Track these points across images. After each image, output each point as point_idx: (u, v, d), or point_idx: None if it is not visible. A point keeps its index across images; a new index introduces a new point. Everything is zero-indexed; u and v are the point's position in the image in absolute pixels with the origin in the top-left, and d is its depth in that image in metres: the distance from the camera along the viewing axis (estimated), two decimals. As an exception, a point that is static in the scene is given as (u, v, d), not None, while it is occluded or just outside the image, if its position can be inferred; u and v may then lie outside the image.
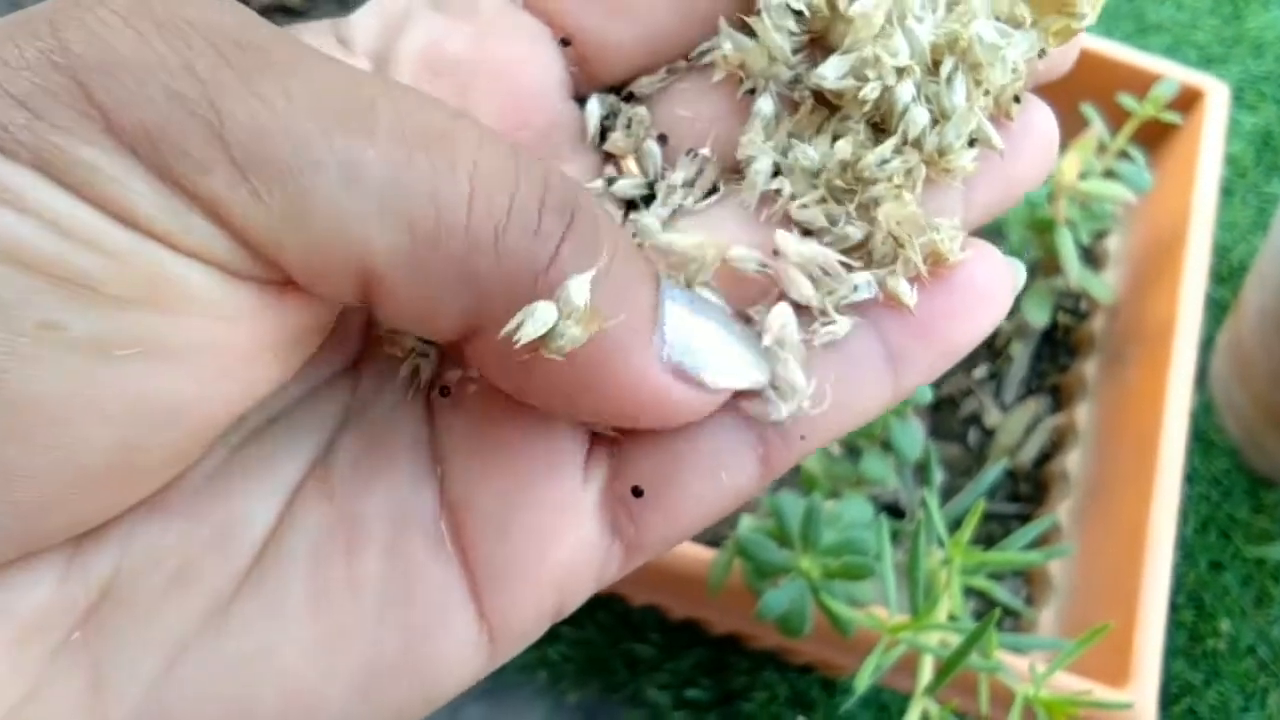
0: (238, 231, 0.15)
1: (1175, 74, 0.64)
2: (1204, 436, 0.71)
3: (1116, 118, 0.61)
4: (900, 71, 0.19)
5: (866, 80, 0.19)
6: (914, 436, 0.49)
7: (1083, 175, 0.59)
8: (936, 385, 0.66)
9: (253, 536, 0.18)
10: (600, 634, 0.63)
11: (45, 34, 0.14)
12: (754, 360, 0.18)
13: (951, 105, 0.19)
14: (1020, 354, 0.67)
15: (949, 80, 0.19)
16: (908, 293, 0.19)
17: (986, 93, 0.19)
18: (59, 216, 0.14)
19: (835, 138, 0.20)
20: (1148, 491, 0.54)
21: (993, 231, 0.62)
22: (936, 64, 0.19)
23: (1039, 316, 0.63)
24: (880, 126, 0.20)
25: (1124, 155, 0.62)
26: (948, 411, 0.66)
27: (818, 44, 0.20)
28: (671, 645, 0.63)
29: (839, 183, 0.19)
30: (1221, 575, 0.68)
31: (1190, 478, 0.69)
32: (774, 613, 0.41)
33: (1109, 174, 0.61)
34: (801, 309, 0.19)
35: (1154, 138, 0.67)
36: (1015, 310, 0.68)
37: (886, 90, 0.19)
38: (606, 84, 0.21)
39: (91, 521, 0.16)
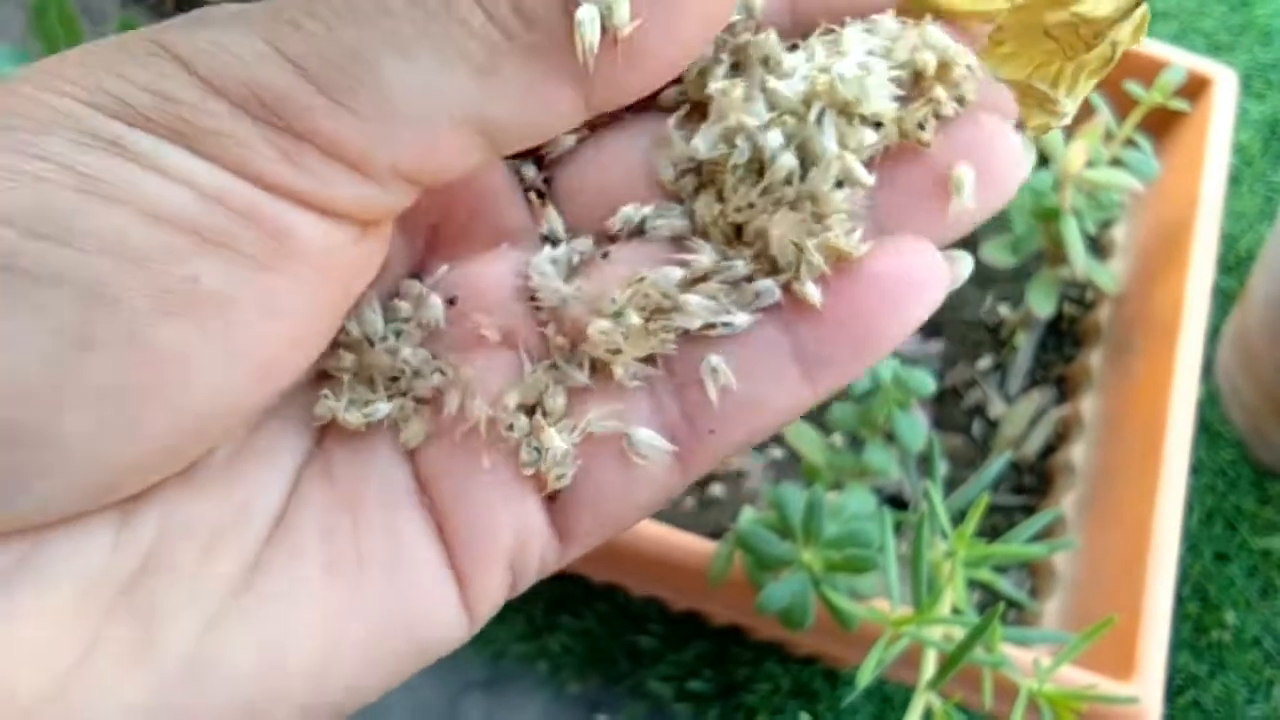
0: (348, 153, 0.17)
1: (1183, 61, 0.63)
2: (1209, 427, 0.71)
3: (1123, 105, 0.60)
4: (766, 125, 0.20)
5: (735, 146, 0.20)
6: (917, 427, 0.48)
7: (1089, 163, 0.59)
8: (940, 376, 0.66)
9: (267, 514, 0.19)
10: (601, 625, 0.63)
11: (146, 43, 0.17)
12: None
13: (821, 149, 0.20)
14: (1025, 344, 0.67)
15: (818, 123, 0.20)
16: (814, 294, 0.19)
17: (879, 125, 0.20)
18: (198, 181, 0.16)
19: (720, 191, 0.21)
20: (1153, 484, 0.53)
21: (998, 221, 0.62)
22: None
23: (1044, 306, 0.63)
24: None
25: (1131, 143, 0.61)
26: (951, 402, 0.65)
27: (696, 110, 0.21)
28: (673, 637, 0.63)
29: (727, 225, 0.20)
30: (1227, 567, 0.67)
31: (1195, 469, 0.69)
32: (775, 606, 0.41)
33: (1116, 162, 0.60)
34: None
35: (1161, 125, 0.66)
36: (1020, 300, 0.68)
37: (756, 149, 0.20)
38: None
39: (159, 478, 0.18)
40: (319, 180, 0.17)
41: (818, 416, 0.62)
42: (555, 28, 0.17)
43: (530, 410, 0.20)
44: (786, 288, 0.20)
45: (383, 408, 0.20)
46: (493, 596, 0.20)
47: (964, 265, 0.20)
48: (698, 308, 0.20)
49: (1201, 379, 0.58)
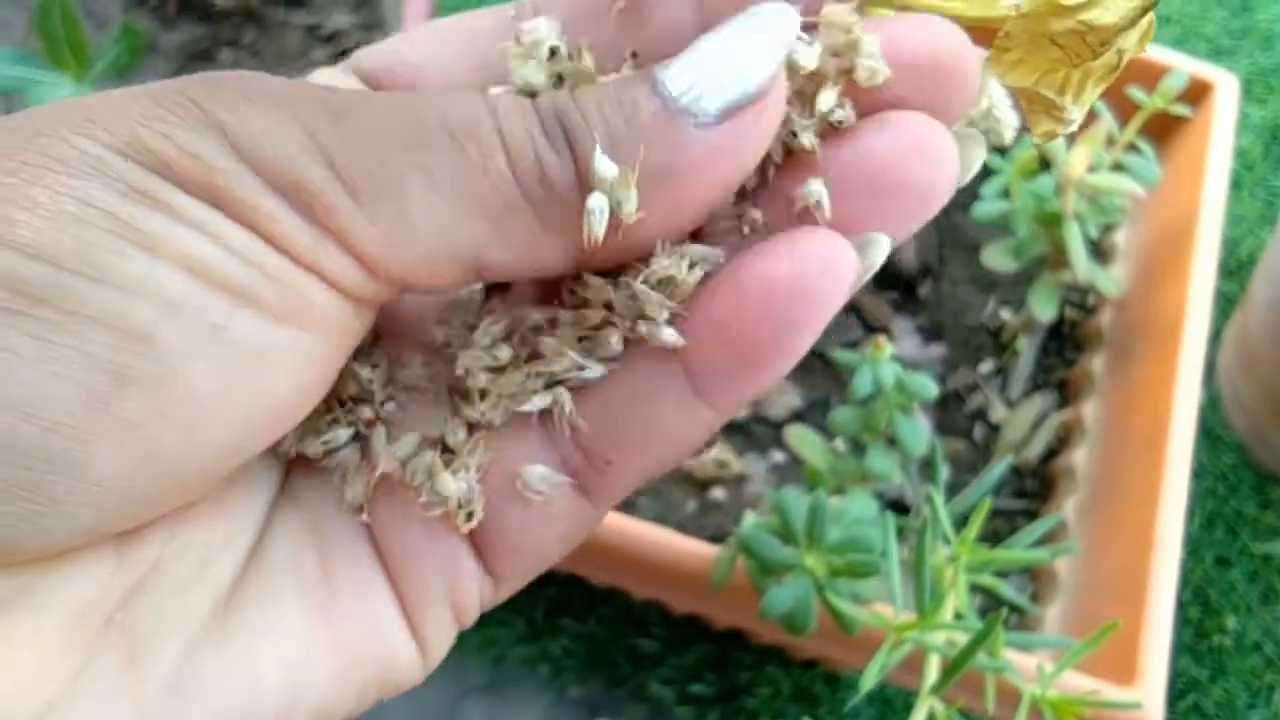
0: (358, 251, 0.18)
1: (1184, 66, 0.63)
2: (1210, 431, 0.71)
3: (1125, 110, 0.60)
4: None
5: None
6: (919, 432, 0.48)
7: (1091, 168, 0.59)
8: (942, 380, 0.66)
9: (246, 542, 0.20)
10: (603, 629, 0.63)
11: (191, 106, 0.17)
12: (772, 29, 0.19)
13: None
14: (1027, 349, 0.67)
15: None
16: (669, 337, 0.19)
17: None
18: (232, 241, 0.17)
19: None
20: (1155, 488, 0.53)
21: (1000, 226, 0.62)
22: None
23: (1046, 311, 0.63)
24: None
25: (1133, 148, 0.61)
26: (953, 407, 0.65)
27: None
28: (675, 640, 0.63)
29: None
30: (1228, 571, 0.67)
31: (1196, 473, 0.69)
32: (778, 611, 0.41)
33: (1117, 167, 0.60)
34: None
35: (1163, 130, 0.66)
36: (1022, 305, 0.68)
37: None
38: None
39: (164, 512, 0.19)
40: (336, 265, 0.18)
41: (820, 421, 0.62)
42: (567, 200, 0.18)
43: (438, 447, 0.21)
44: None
45: (343, 434, 0.21)
46: (441, 636, 0.21)
47: (877, 250, 0.19)
48: (553, 351, 0.20)
49: (1202, 383, 0.58)
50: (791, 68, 0.19)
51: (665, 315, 0.19)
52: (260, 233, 0.17)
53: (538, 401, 0.20)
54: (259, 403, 0.18)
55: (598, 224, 0.18)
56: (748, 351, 0.19)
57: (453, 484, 0.20)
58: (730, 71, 0.18)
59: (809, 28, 0.19)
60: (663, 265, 0.19)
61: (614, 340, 0.20)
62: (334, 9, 0.71)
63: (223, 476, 0.19)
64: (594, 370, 0.20)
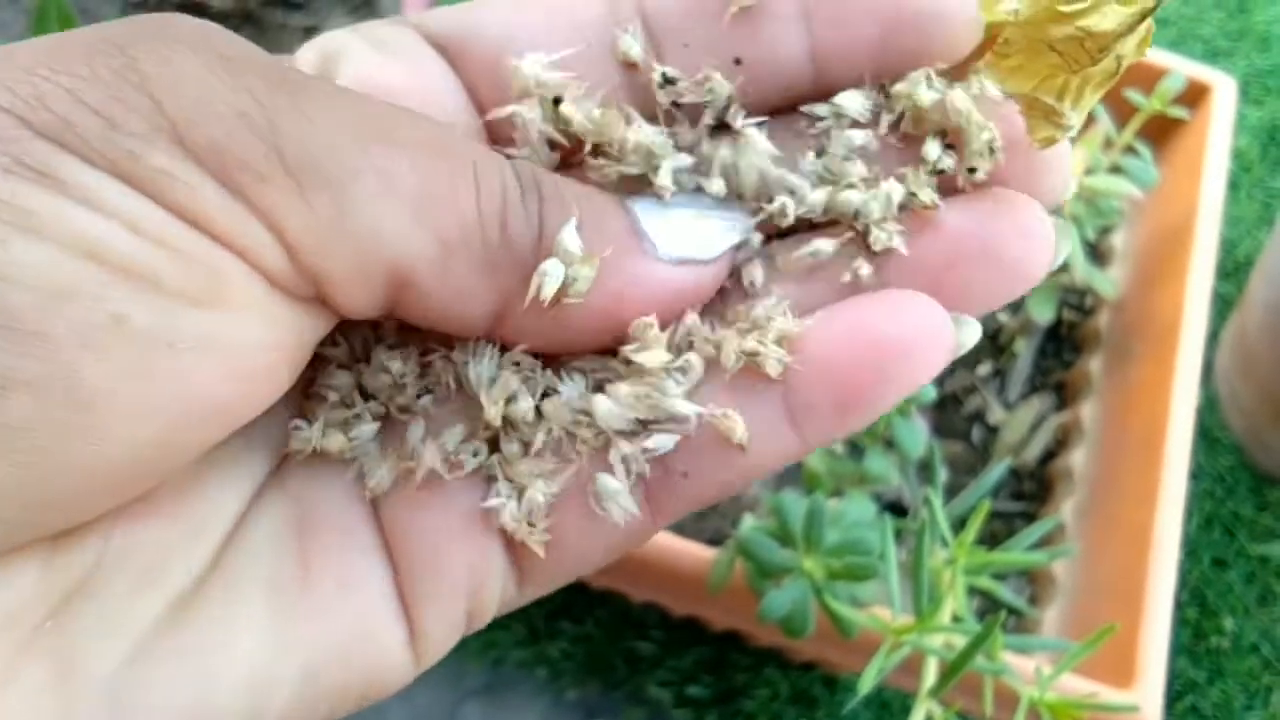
0: (288, 237, 0.17)
1: (1182, 69, 0.63)
2: (1208, 433, 0.71)
3: (1123, 113, 0.60)
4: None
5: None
6: (917, 434, 0.48)
7: (1089, 170, 0.59)
8: (940, 382, 0.66)
9: (220, 531, 0.19)
10: (600, 631, 0.63)
11: (115, 54, 0.16)
12: (734, 221, 0.20)
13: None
14: (1025, 351, 0.67)
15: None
16: (740, 429, 0.19)
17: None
18: (132, 216, 0.15)
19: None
20: (1153, 490, 0.54)
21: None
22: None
23: (1044, 313, 0.63)
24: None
25: (1130, 150, 0.61)
26: (951, 409, 0.65)
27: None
28: (672, 642, 0.63)
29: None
30: (1225, 573, 0.67)
31: (1194, 474, 0.69)
32: (776, 614, 0.41)
33: (1115, 169, 0.61)
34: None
35: (1160, 132, 0.66)
36: (1020, 307, 0.68)
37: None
38: None
39: (92, 515, 0.17)
40: (259, 246, 0.16)
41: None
42: (520, 259, 0.18)
43: (484, 443, 0.20)
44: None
45: (368, 429, 0.20)
46: (445, 635, 0.20)
47: (970, 332, 0.19)
48: (607, 415, 0.20)
49: (1200, 384, 0.58)
50: (915, 118, 0.20)
51: (778, 367, 0.19)
52: (166, 204, 0.16)
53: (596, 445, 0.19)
54: (180, 395, 0.16)
55: (549, 288, 0.18)
56: (850, 395, 0.19)
57: (534, 495, 0.19)
58: (691, 239, 0.20)
59: (944, 73, 0.20)
60: (777, 325, 0.19)
61: (689, 413, 0.19)
62: (332, 12, 0.71)
63: (159, 475, 0.17)
64: (665, 443, 0.19)
